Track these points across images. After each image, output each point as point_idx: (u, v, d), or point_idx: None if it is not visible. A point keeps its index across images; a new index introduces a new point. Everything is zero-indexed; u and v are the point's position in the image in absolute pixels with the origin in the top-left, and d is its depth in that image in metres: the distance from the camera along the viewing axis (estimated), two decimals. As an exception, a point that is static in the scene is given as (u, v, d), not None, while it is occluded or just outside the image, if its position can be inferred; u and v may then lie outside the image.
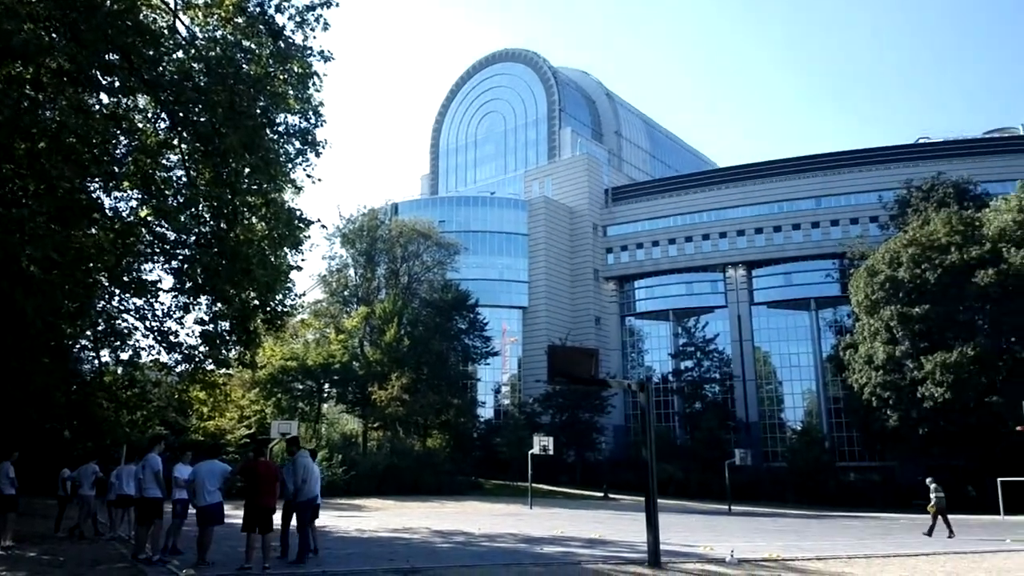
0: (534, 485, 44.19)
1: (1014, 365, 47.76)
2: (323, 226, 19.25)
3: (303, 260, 19.17)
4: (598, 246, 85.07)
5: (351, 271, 67.01)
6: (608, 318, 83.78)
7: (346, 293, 66.11)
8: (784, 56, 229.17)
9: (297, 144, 18.47)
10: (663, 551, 14.55)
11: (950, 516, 24.63)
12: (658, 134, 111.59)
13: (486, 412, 75.19)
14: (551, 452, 42.34)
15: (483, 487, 55.04)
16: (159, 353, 19.64)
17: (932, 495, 24.93)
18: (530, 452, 41.61)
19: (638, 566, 13.57)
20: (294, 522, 13.20)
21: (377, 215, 67.17)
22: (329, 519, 23.78)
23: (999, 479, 43.46)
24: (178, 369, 20.37)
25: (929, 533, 24.19)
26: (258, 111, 16.55)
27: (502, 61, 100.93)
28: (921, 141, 79.40)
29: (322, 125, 18.59)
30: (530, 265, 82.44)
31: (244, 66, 16.61)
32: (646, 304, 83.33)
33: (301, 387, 54.71)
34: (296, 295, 20.42)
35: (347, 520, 25.30)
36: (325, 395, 57.89)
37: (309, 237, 19.50)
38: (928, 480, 26.27)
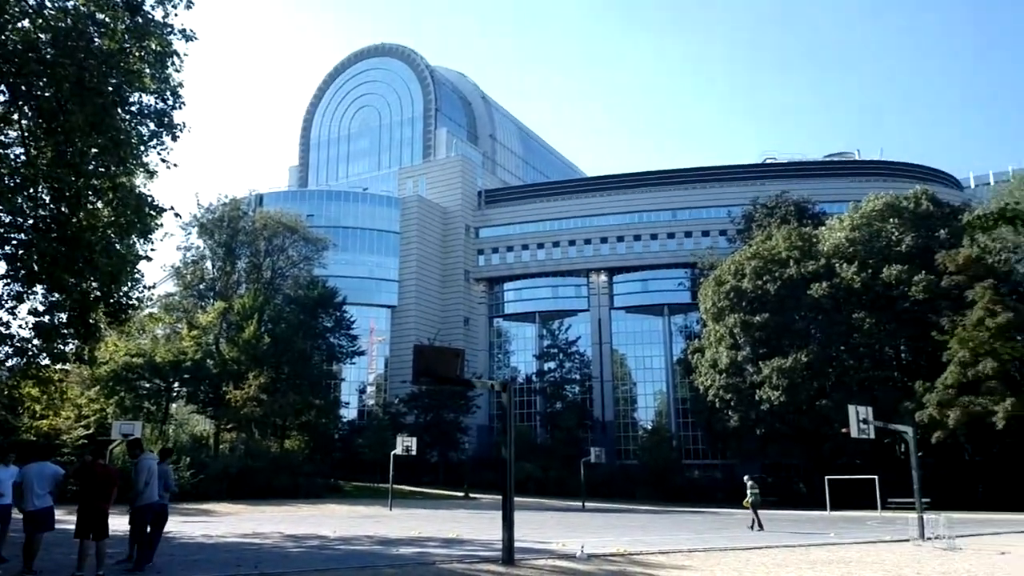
0: (396, 486, 43.91)
1: (842, 372, 52.15)
2: (177, 214, 18.28)
3: (153, 250, 18.06)
4: (470, 247, 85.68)
5: (208, 263, 63.49)
6: (477, 319, 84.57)
7: (202, 287, 62.59)
8: (647, 76, 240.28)
9: (152, 126, 17.44)
10: (518, 548, 14.92)
11: (783, 512, 26.77)
12: (531, 140, 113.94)
13: (350, 412, 73.81)
14: (414, 453, 42.28)
15: (343, 489, 53.94)
16: (-14, 345, 17.94)
17: (748, 492, 27.02)
18: (393, 453, 41.32)
19: (492, 564, 13.86)
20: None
21: (240, 205, 63.98)
22: (174, 525, 22.53)
23: (826, 477, 47.42)
24: (8, 363, 18.73)
25: (752, 527, 26.00)
26: (109, 88, 15.52)
27: (379, 56, 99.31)
28: (767, 161, 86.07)
29: (181, 107, 17.66)
30: (401, 264, 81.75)
31: (96, 40, 15.56)
32: (514, 306, 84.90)
33: (148, 386, 50.87)
34: (145, 287, 19.24)
35: (193, 525, 24.10)
36: (175, 395, 54.51)
37: (161, 225, 18.45)
38: (745, 477, 28.55)
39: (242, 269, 64.45)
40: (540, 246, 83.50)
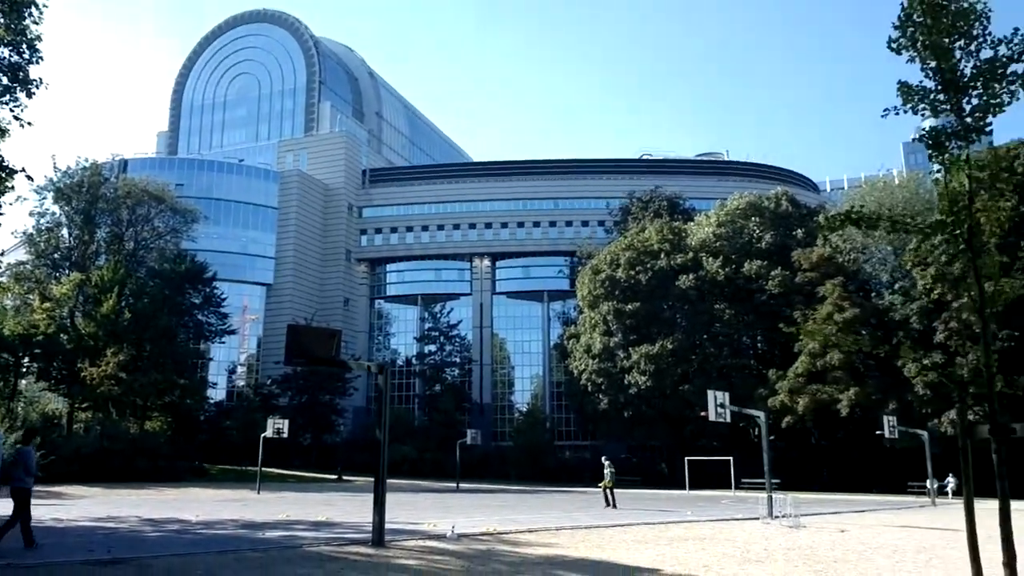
0: (266, 469, 42.82)
1: (704, 359, 55.42)
2: (29, 177, 17.01)
3: (1, 213, 16.80)
4: (352, 227, 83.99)
5: (64, 231, 59.02)
6: (358, 300, 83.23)
7: (57, 256, 58.19)
8: (536, 68, 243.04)
9: (4, 80, 16.17)
10: (389, 530, 14.99)
11: (646, 491, 28.21)
12: (418, 121, 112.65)
13: (218, 394, 71.00)
14: (286, 435, 41.24)
15: (208, 473, 51.89)
16: None
17: (606, 471, 28.47)
18: (263, 435, 40.18)
19: (361, 546, 13.82)
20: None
21: (101, 170, 59.76)
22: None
23: (687, 458, 50.37)
24: None
25: (611, 506, 27.25)
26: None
27: (260, 21, 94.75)
28: (644, 158, 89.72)
29: (38, 62, 16.48)
30: (278, 241, 79.02)
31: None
32: (396, 288, 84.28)
33: (-6, 360, 47.29)
34: (-8, 254, 17.85)
35: (43, 509, 22.50)
36: (24, 370, 50.59)
37: (12, 188, 17.19)
38: (604, 459, 30.08)
39: (102, 239, 60.38)
40: (424, 228, 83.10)
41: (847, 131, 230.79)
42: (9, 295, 51.19)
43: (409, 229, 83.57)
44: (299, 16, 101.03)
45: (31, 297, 52.79)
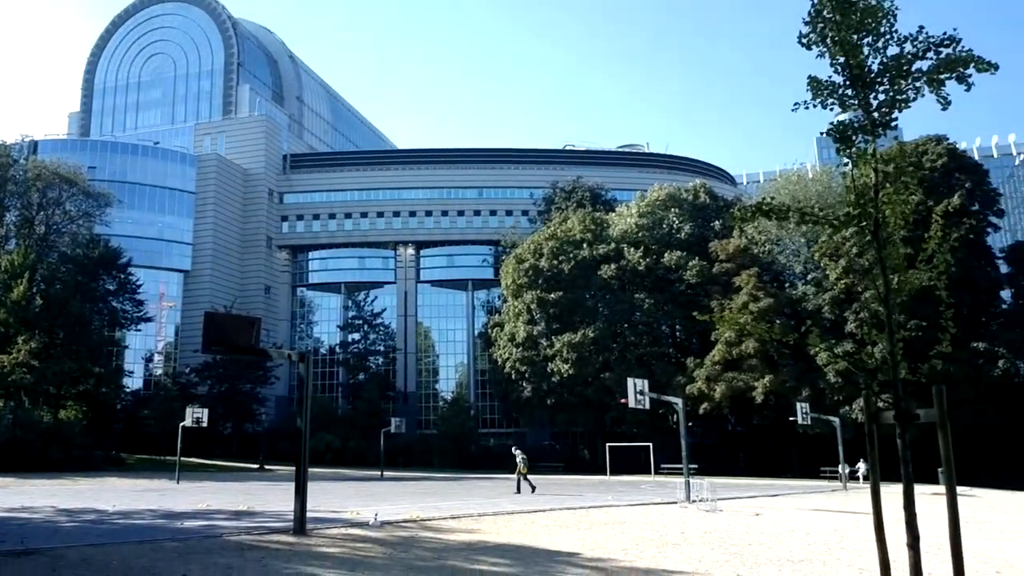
0: (185, 459, 41.99)
1: (624, 347, 56.83)
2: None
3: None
4: (273, 213, 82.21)
5: (-30, 214, 56.12)
6: (279, 287, 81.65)
7: (-37, 240, 55.28)
8: (460, 57, 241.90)
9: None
10: (312, 518, 15.08)
11: (568, 476, 28.95)
12: (340, 106, 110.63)
13: (135, 382, 68.71)
14: (206, 424, 40.60)
15: (125, 462, 50.53)
16: None
17: (518, 460, 29.54)
18: (182, 424, 39.42)
19: (283, 535, 13.86)
20: None
21: (10, 152, 57.19)
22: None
23: (608, 444, 51.62)
24: None
25: (529, 491, 28.11)
26: None
27: (176, 0, 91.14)
28: (567, 148, 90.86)
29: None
30: (196, 226, 76.65)
31: None
32: (319, 276, 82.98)
33: None
34: None
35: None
36: (-70, 357, 48.03)
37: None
38: (513, 448, 31.36)
39: (11, 223, 57.83)
40: (348, 216, 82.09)
41: (763, 126, 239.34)
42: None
43: (332, 216, 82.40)
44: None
45: (-65, 282, 50.06)
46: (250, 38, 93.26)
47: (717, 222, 59.67)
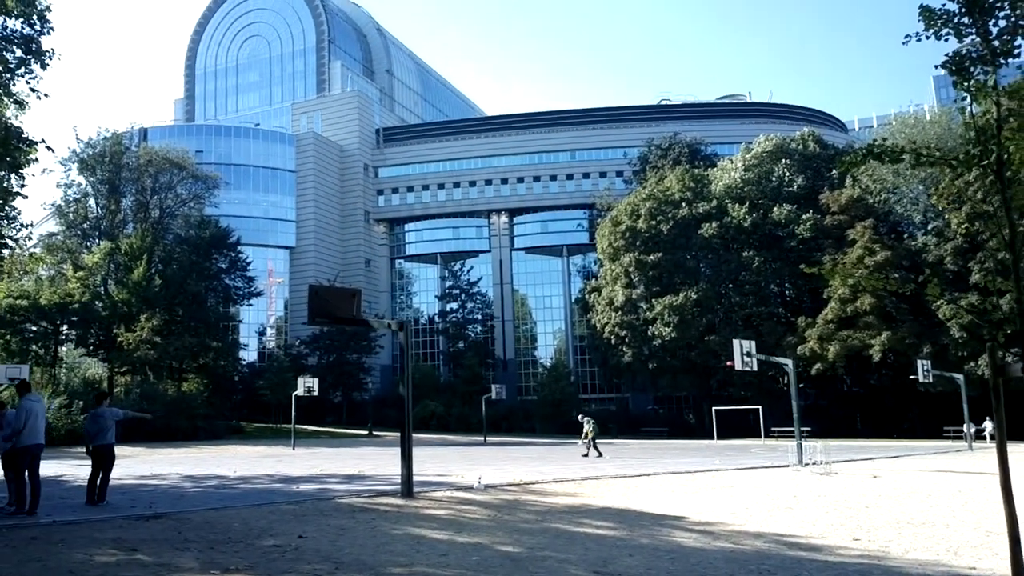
0: (299, 426, 43.82)
1: (729, 308, 54.97)
2: (49, 148, 17.18)
3: (22, 185, 16.99)
4: (369, 187, 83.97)
5: (92, 201, 60.09)
6: (378, 260, 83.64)
7: (86, 226, 59.40)
8: (546, 14, 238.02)
9: (19, 52, 16.23)
10: (418, 482, 15.37)
11: (673, 441, 28.45)
12: (429, 76, 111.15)
13: (249, 355, 72.31)
14: (316, 393, 42.13)
15: (244, 431, 53.35)
16: None
17: (586, 426, 29.25)
18: (294, 394, 41.09)
19: (391, 497, 14.18)
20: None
21: (122, 140, 60.40)
22: (68, 468, 21.94)
23: (714, 408, 50.27)
24: None
25: (589, 455, 28.15)
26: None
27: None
28: (662, 103, 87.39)
29: (49, 32, 16.50)
30: (298, 204, 79.32)
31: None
32: (415, 247, 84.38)
33: (35, 328, 49.18)
34: (22, 225, 18.18)
35: (87, 469, 23.41)
36: (63, 337, 52.23)
37: (36, 160, 17.38)
38: (580, 416, 30.96)
39: (128, 207, 61.42)
40: (440, 186, 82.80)
41: (874, 66, 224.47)
42: (43, 265, 52.66)
43: (425, 188, 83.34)
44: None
45: (64, 267, 54.26)
46: (339, 14, 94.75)
47: (828, 172, 56.48)
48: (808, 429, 41.66)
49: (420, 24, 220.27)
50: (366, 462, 26.35)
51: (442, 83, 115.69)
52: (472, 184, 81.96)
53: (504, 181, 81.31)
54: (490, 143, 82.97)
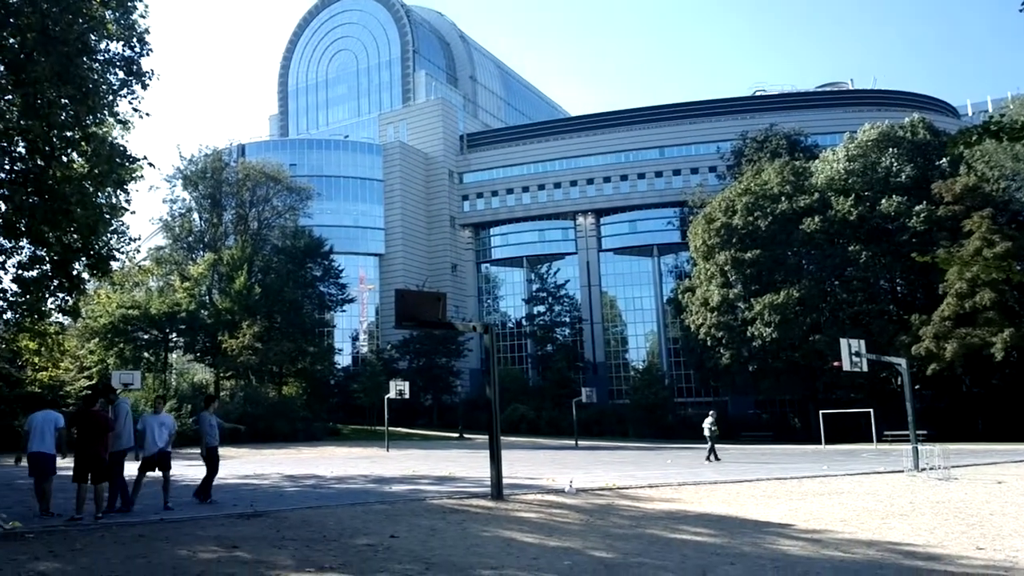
0: (392, 428, 44.65)
1: (835, 306, 52.32)
2: (151, 164, 17.97)
3: (128, 200, 17.84)
4: (454, 193, 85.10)
5: (195, 215, 63.36)
6: (465, 265, 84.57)
7: (191, 239, 62.63)
8: (629, 9, 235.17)
9: (120, 74, 17.05)
10: (508, 484, 15.23)
11: (777, 446, 27.45)
12: (512, 80, 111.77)
13: (343, 359, 74.47)
14: (407, 396, 42.88)
15: (340, 432, 54.91)
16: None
17: (708, 428, 28.84)
18: (387, 397, 41.92)
19: (482, 499, 14.12)
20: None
21: (221, 156, 63.54)
22: (177, 468, 22.82)
23: (821, 411, 47.84)
24: (5, 317, 18.72)
25: (710, 458, 27.63)
26: (73, 36, 15.08)
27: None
28: (757, 94, 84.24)
29: (148, 54, 17.24)
30: (386, 211, 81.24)
31: (56, -15, 15.01)
32: (501, 251, 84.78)
33: (146, 337, 52.27)
34: (130, 239, 19.13)
35: (195, 469, 24.42)
36: (172, 345, 55.35)
37: (142, 177, 18.25)
38: (710, 415, 29.97)
39: (229, 220, 64.37)
40: (525, 189, 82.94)
41: (988, 46, 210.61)
42: (152, 277, 56.02)
43: (510, 191, 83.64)
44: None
45: (172, 278, 57.42)
46: (422, 24, 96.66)
47: (940, 160, 53.12)
48: (924, 432, 39.28)
49: (503, 28, 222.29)
50: (456, 464, 26.48)
51: (525, 86, 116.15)
52: (557, 186, 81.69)
53: (590, 181, 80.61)
54: (574, 144, 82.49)
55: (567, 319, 76.17)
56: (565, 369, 69.65)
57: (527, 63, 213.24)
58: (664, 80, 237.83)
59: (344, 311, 71.24)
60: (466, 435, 55.62)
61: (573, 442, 48.32)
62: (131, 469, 13.27)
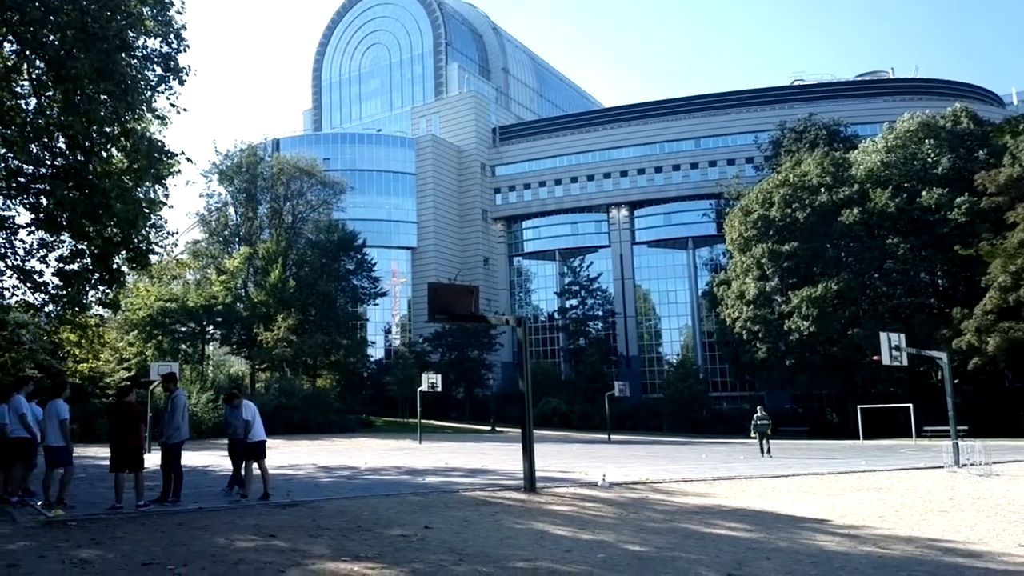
0: (425, 421, 44.94)
1: (875, 299, 51.36)
2: (188, 159, 18.19)
3: (166, 195, 18.11)
4: (486, 186, 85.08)
5: (231, 210, 64.31)
6: (497, 258, 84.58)
7: (227, 233, 63.55)
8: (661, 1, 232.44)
9: (158, 70, 17.26)
10: (541, 477, 15.25)
11: (814, 441, 27.05)
12: (545, 72, 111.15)
13: (376, 352, 75.10)
14: (439, 389, 43.12)
15: (374, 424, 55.49)
16: (24, 293, 18.36)
17: (759, 422, 28.19)
18: (419, 389, 42.19)
19: (514, 492, 14.13)
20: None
21: (256, 151, 64.37)
22: (213, 459, 23.44)
23: (859, 406, 46.91)
24: (46, 309, 19.17)
25: (763, 453, 27.23)
26: (112, 33, 15.33)
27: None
28: (795, 83, 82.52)
29: (185, 50, 17.42)
30: (418, 205, 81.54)
31: (94, -17, 15.26)
32: (533, 244, 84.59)
33: (183, 329, 53.15)
34: (168, 232, 19.44)
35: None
36: (208, 337, 56.32)
37: (180, 171, 18.49)
38: (756, 416, 29.04)
39: (264, 214, 65.19)
40: (557, 182, 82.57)
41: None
42: (190, 270, 57.01)
43: (542, 184, 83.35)
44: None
45: (208, 271, 58.32)
46: (455, 16, 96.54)
47: (982, 151, 51.69)
48: (965, 428, 38.40)
49: (536, 19, 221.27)
50: (489, 457, 26.54)
51: (558, 77, 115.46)
52: (590, 178, 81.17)
53: (623, 174, 79.93)
54: (608, 135, 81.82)
55: (600, 312, 75.82)
56: (598, 363, 69.35)
57: (560, 54, 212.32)
58: (700, 70, 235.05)
59: (377, 304, 71.74)
60: (498, 428, 55.78)
61: (605, 436, 48.18)
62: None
